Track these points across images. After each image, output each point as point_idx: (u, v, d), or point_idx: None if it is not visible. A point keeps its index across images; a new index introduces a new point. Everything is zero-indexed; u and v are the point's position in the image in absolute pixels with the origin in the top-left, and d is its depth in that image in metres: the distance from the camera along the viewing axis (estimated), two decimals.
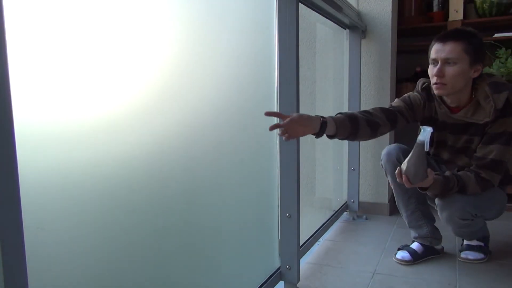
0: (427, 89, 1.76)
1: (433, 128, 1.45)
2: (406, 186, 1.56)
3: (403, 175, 1.55)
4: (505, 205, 1.78)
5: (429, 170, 1.55)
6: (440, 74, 1.56)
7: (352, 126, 1.48)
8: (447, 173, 1.66)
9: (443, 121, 1.74)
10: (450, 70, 1.56)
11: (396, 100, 1.79)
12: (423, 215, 1.90)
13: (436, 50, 1.58)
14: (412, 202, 1.89)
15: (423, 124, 1.77)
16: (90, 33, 0.80)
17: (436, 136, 1.80)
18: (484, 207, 1.70)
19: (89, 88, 0.80)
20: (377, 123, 1.58)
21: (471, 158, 1.71)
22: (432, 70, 1.60)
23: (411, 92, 1.81)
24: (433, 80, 1.60)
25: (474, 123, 1.65)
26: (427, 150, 1.47)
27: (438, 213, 1.72)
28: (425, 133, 1.46)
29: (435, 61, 1.59)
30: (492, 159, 1.61)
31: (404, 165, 1.55)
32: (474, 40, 1.56)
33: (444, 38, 1.56)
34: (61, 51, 0.75)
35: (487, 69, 2.53)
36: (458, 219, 1.67)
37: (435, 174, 1.60)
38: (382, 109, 1.66)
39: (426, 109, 1.77)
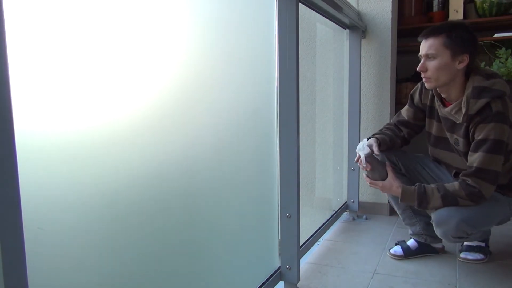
0: None
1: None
2: (369, 185, 1.82)
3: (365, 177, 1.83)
4: (509, 214, 1.73)
5: (387, 163, 1.80)
6: (422, 69, 1.65)
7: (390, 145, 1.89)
8: (432, 185, 1.66)
9: (439, 114, 1.77)
10: (430, 65, 1.62)
11: (405, 109, 1.93)
12: (414, 212, 1.93)
13: (420, 47, 1.66)
14: None
15: (423, 109, 1.87)
16: (93, 42, 0.80)
17: (435, 130, 1.81)
18: (482, 223, 1.65)
19: (93, 96, 0.81)
20: (406, 139, 1.95)
21: (464, 161, 1.69)
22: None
23: (414, 89, 1.90)
24: (421, 75, 1.68)
25: (454, 121, 1.67)
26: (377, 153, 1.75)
27: (434, 229, 1.68)
28: (358, 147, 1.75)
29: (421, 57, 1.67)
30: (477, 167, 1.56)
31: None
32: (455, 32, 1.58)
33: (425, 34, 1.64)
34: (68, 59, 0.75)
35: (492, 69, 2.53)
36: (453, 237, 1.64)
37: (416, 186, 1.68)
38: (408, 125, 1.92)
39: (423, 96, 1.84)
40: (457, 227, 1.59)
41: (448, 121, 1.71)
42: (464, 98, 1.60)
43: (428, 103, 1.81)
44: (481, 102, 1.56)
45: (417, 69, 1.66)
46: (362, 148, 1.75)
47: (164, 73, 0.99)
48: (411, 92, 1.90)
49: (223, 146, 1.25)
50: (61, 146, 0.76)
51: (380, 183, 1.76)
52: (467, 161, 1.65)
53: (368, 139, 1.83)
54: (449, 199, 1.60)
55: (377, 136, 1.86)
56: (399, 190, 1.69)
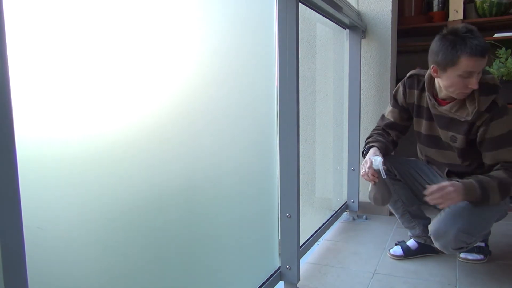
0: (413, 77, 1.80)
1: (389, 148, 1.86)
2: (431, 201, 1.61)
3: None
4: (506, 208, 1.73)
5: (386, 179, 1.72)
6: (477, 85, 1.54)
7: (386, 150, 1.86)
8: (480, 176, 1.60)
9: (431, 111, 1.74)
10: (479, 78, 1.54)
11: (389, 112, 1.91)
12: (412, 216, 1.93)
13: (476, 65, 1.51)
14: (399, 205, 1.94)
15: (408, 109, 1.85)
16: (92, 48, 0.80)
17: (425, 128, 1.79)
18: (480, 229, 1.64)
19: (92, 97, 0.81)
20: (395, 142, 1.93)
21: (457, 158, 1.70)
22: (464, 82, 1.53)
23: (396, 89, 1.88)
24: (466, 90, 1.56)
25: (456, 118, 1.65)
26: (384, 177, 1.68)
27: (433, 240, 1.65)
28: (376, 162, 1.66)
29: (470, 74, 1.53)
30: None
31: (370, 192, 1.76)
32: None
33: (483, 52, 1.50)
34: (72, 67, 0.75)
35: (487, 69, 2.53)
36: (452, 249, 1.63)
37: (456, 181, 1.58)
38: (395, 127, 1.90)
39: (407, 96, 1.82)
40: (455, 239, 1.58)
41: (444, 119, 1.70)
42: (476, 95, 1.57)
43: (415, 102, 1.80)
44: (489, 98, 1.58)
45: (475, 86, 1.52)
46: (378, 160, 1.66)
47: (163, 73, 0.99)
48: (393, 93, 1.89)
49: (223, 146, 1.25)
50: (61, 146, 0.76)
51: (447, 185, 1.54)
52: (462, 157, 1.67)
53: (375, 156, 1.73)
54: (504, 185, 1.55)
55: (375, 144, 1.82)
56: (461, 185, 1.54)
